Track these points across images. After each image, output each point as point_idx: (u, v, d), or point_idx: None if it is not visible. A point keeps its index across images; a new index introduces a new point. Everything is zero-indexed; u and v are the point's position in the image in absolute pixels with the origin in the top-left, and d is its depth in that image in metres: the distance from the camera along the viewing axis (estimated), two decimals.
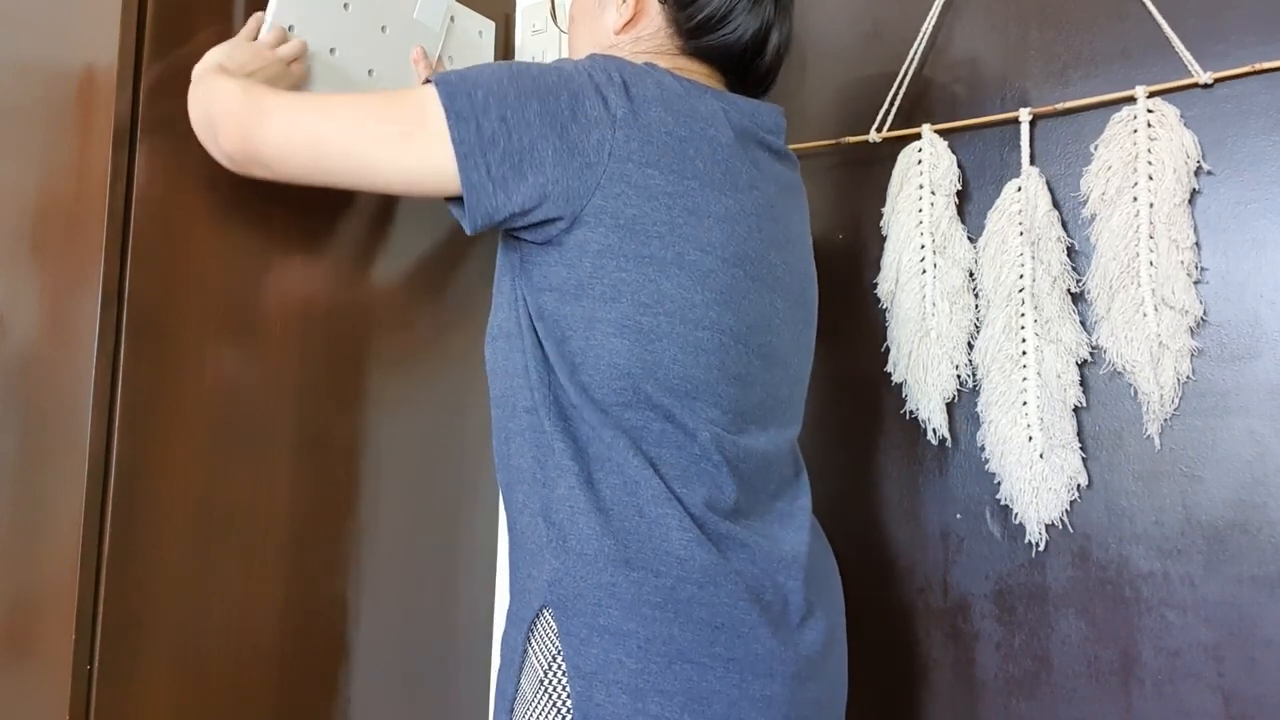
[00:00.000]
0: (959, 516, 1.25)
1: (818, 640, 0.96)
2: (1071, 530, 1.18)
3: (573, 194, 0.91)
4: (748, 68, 1.05)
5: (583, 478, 0.91)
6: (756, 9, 1.02)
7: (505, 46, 1.60)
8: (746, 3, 1.02)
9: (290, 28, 1.12)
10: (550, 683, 0.90)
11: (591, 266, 0.92)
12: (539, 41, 1.62)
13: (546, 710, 0.89)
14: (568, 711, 0.88)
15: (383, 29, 1.21)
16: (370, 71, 1.20)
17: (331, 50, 1.17)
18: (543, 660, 0.91)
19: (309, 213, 1.24)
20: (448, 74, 0.92)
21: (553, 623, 0.90)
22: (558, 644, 0.90)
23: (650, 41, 1.04)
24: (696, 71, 1.04)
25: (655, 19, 1.04)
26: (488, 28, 1.48)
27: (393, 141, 0.93)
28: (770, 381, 1.01)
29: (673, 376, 0.93)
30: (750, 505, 0.97)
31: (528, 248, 0.96)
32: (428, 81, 0.94)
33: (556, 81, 0.92)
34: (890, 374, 1.30)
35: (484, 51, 1.47)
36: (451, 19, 1.42)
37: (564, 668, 0.89)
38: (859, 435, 1.33)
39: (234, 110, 0.98)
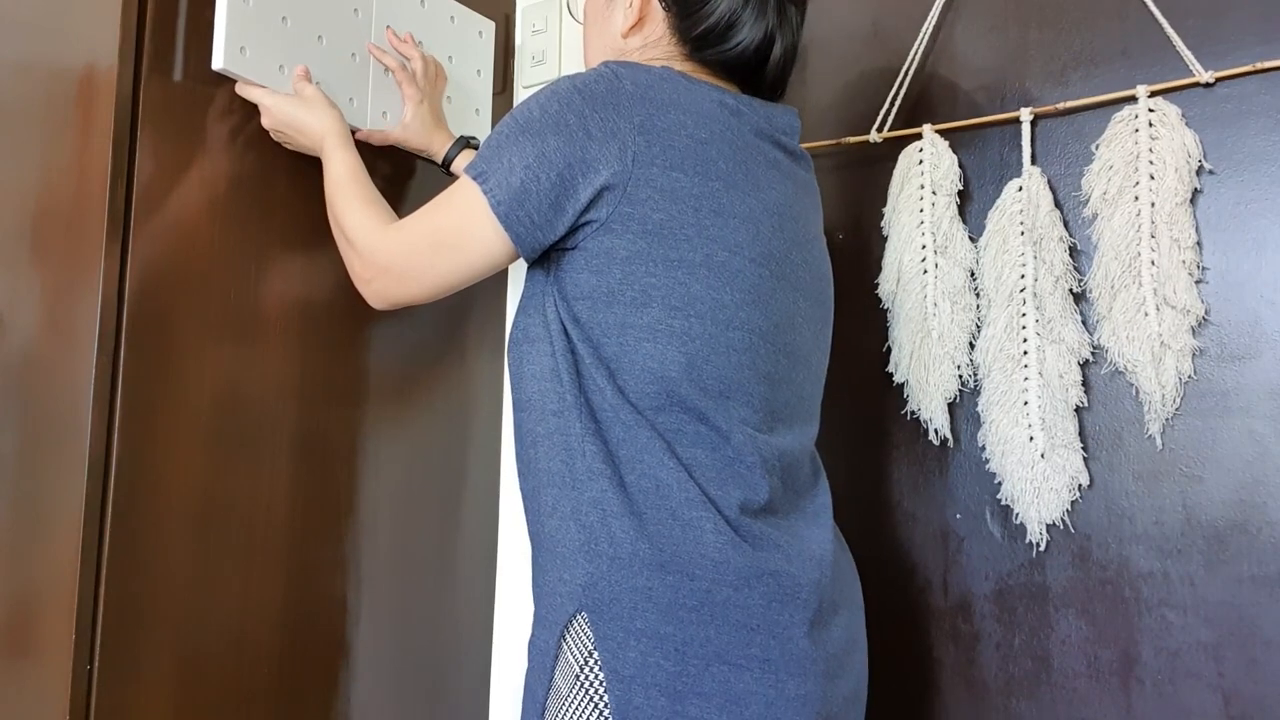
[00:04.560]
0: (959, 516, 1.25)
1: (843, 637, 0.97)
2: (1072, 530, 1.18)
3: (604, 202, 0.93)
4: (752, 77, 1.05)
5: (615, 481, 0.92)
6: (760, 21, 1.02)
7: (505, 46, 1.60)
8: (750, 14, 1.01)
9: (242, 49, 1.13)
10: (586, 678, 0.90)
11: (621, 273, 0.93)
12: (539, 41, 1.61)
13: (583, 705, 0.90)
14: (608, 713, 0.89)
15: (319, 38, 1.21)
16: (318, 83, 1.21)
17: (280, 68, 1.17)
18: (578, 656, 0.91)
19: (309, 213, 1.25)
20: (475, 161, 0.98)
21: (588, 628, 0.91)
22: (593, 645, 0.90)
23: (659, 47, 1.04)
24: (709, 75, 1.04)
25: (660, 25, 1.04)
26: (488, 28, 1.48)
27: (462, 247, 1.00)
28: (796, 380, 1.01)
29: (707, 378, 0.94)
30: (781, 505, 0.98)
31: (559, 256, 0.98)
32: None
33: (560, 110, 0.94)
34: (891, 374, 1.30)
35: (484, 51, 1.47)
36: (452, 19, 1.42)
37: (600, 662, 0.89)
38: (860, 435, 1.33)
39: (354, 254, 1.09)
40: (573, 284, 0.96)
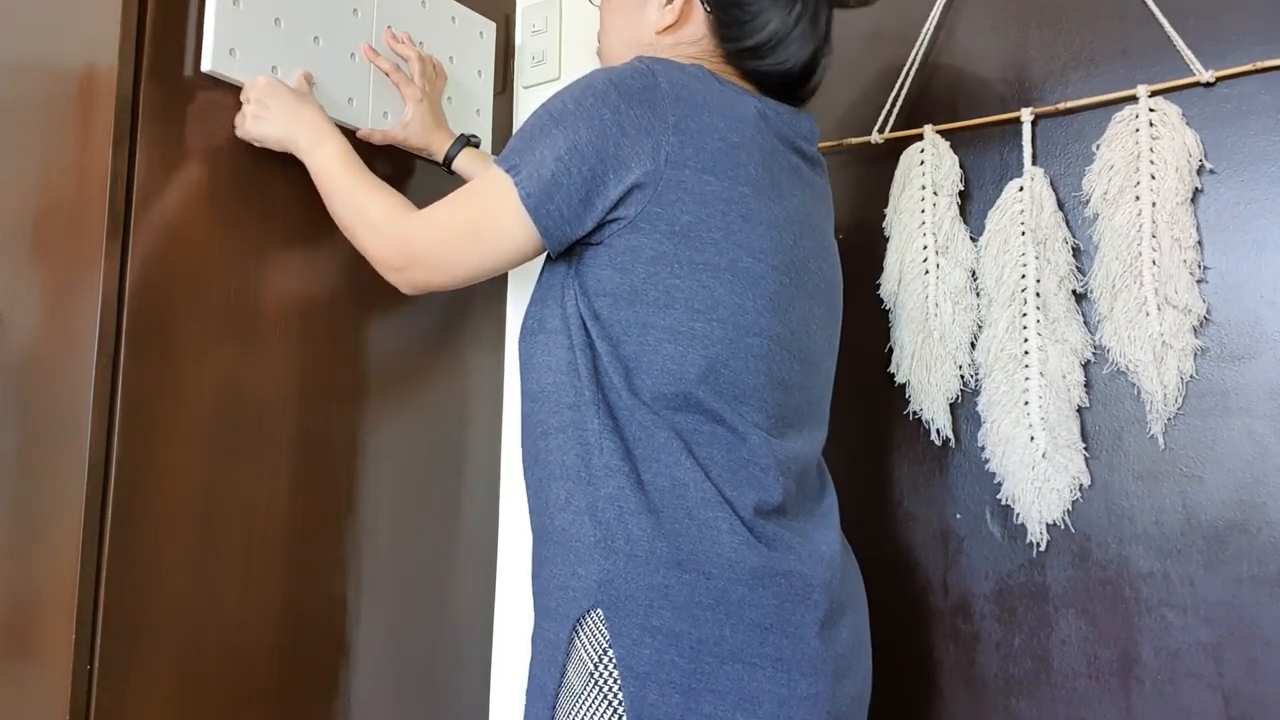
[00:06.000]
0: (959, 517, 1.25)
1: (850, 638, 0.98)
2: (1072, 530, 1.18)
3: (634, 200, 0.93)
4: (789, 91, 1.05)
5: (632, 478, 0.92)
6: (808, 40, 1.02)
7: (505, 46, 1.60)
8: (800, 32, 1.01)
9: (231, 51, 1.13)
10: (601, 676, 0.90)
11: (645, 273, 0.93)
12: (539, 41, 1.61)
13: (598, 703, 0.90)
14: (622, 710, 0.89)
15: (315, 39, 1.21)
16: (313, 88, 1.21)
17: (273, 69, 1.17)
18: (592, 654, 0.91)
19: (309, 212, 1.24)
20: (507, 152, 0.97)
21: (603, 625, 0.91)
22: (608, 643, 0.90)
23: (693, 47, 1.04)
24: (739, 77, 1.04)
25: (700, 27, 1.03)
26: (488, 28, 1.48)
27: (493, 238, 0.99)
28: (807, 386, 1.02)
29: (724, 382, 0.94)
30: (793, 507, 0.98)
31: (582, 250, 0.98)
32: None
33: (595, 103, 0.93)
34: (891, 374, 1.30)
35: (485, 52, 1.47)
36: (453, 19, 1.42)
37: (615, 659, 0.90)
38: (860, 436, 1.33)
39: (384, 242, 1.06)
40: (595, 279, 0.95)
